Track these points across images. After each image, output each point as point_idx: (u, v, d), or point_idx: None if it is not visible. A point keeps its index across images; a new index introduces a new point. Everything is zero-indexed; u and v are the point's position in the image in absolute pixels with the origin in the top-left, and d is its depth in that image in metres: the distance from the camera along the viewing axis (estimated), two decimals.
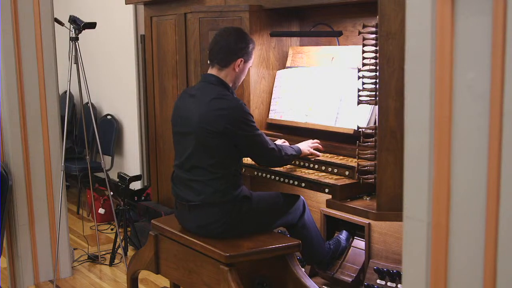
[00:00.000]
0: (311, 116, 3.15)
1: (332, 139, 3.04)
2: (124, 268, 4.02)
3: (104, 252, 4.27)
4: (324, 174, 2.88)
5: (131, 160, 5.59)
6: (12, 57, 3.51)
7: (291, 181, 2.92)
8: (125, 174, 4.32)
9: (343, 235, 3.23)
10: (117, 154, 5.70)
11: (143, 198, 4.81)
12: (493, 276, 1.25)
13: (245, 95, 3.36)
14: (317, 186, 2.80)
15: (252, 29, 3.30)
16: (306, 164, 2.99)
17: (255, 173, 3.13)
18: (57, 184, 3.74)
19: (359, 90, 2.60)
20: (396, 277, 2.95)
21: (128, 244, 4.23)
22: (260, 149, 2.74)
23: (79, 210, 5.38)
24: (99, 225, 4.77)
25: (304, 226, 2.94)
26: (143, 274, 3.66)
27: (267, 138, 2.77)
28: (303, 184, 2.86)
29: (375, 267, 3.01)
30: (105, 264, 4.14)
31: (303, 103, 3.22)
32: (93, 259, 4.18)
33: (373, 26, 2.51)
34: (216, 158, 2.67)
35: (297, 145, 2.94)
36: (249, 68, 2.94)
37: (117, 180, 4.33)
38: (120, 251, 4.13)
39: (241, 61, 2.77)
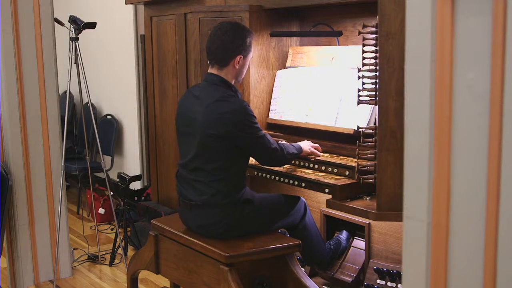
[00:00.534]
0: (311, 116, 3.15)
1: (332, 139, 3.04)
2: (124, 268, 4.02)
3: (104, 252, 4.27)
4: (324, 174, 2.88)
5: (131, 160, 5.59)
6: (12, 57, 3.51)
7: (291, 181, 2.92)
8: (125, 174, 4.32)
9: (343, 235, 3.22)
10: (117, 154, 5.70)
11: (143, 198, 4.82)
12: (493, 276, 1.25)
13: (245, 95, 3.36)
14: (317, 186, 2.80)
15: (252, 29, 3.29)
16: (306, 164, 2.99)
17: (255, 173, 3.13)
18: (57, 184, 3.74)
19: (359, 90, 2.60)
20: (396, 277, 2.95)
21: (128, 244, 4.23)
22: (262, 150, 2.73)
23: (79, 210, 5.38)
24: (99, 225, 4.77)
25: (305, 227, 2.94)
26: (143, 274, 3.66)
27: (270, 138, 2.76)
28: (303, 184, 2.86)
29: (375, 267, 3.01)
30: (105, 264, 4.14)
31: (303, 103, 3.22)
32: (93, 259, 4.18)
33: (373, 26, 2.51)
34: (219, 161, 2.67)
35: (298, 143, 2.94)
36: (249, 66, 2.92)
37: (117, 180, 4.33)
38: (120, 251, 4.13)
39: (240, 57, 2.73)
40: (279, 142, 2.86)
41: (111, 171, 5.38)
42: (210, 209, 2.69)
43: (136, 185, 5.17)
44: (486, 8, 1.19)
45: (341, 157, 2.96)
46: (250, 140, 2.68)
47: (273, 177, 3.02)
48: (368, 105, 2.69)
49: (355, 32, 3.16)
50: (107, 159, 5.31)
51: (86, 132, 4.33)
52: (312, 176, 2.85)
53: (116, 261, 4.14)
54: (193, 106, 2.74)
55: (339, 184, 2.71)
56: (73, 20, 3.81)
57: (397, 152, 2.41)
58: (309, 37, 3.50)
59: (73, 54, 3.78)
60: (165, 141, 4.41)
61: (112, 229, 4.88)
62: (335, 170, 2.86)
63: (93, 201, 4.44)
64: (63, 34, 4.20)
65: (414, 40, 1.33)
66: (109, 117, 5.70)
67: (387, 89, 2.42)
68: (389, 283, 2.96)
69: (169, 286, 3.29)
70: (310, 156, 2.96)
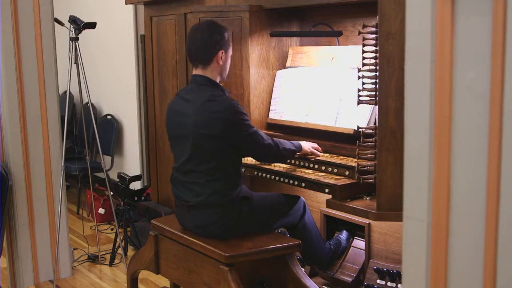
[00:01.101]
0: (311, 116, 3.15)
1: (332, 139, 3.04)
2: (124, 268, 4.02)
3: (104, 252, 4.27)
4: (324, 174, 2.88)
5: (131, 160, 5.59)
6: (12, 57, 3.51)
7: (291, 181, 2.93)
8: (125, 174, 4.32)
9: (343, 235, 3.23)
10: (117, 154, 5.70)
11: (143, 198, 4.81)
12: (493, 276, 1.25)
13: (245, 95, 3.36)
14: (317, 186, 2.80)
15: (252, 29, 3.30)
16: (306, 164, 2.99)
17: (255, 173, 3.13)
18: (57, 184, 3.74)
19: (359, 90, 2.60)
20: (396, 277, 2.95)
21: (128, 244, 4.23)
22: (256, 146, 2.74)
23: (79, 210, 5.38)
24: (99, 225, 4.77)
25: (304, 227, 2.94)
26: (143, 274, 3.66)
27: (263, 134, 2.77)
28: (303, 184, 2.86)
29: (375, 267, 3.01)
30: (105, 264, 4.14)
31: (303, 103, 3.22)
32: (93, 259, 4.18)
33: (373, 26, 2.51)
34: (214, 161, 2.68)
35: (298, 142, 2.94)
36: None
37: (117, 180, 4.33)
38: (120, 251, 4.13)
39: (222, 52, 2.76)
40: (275, 138, 2.87)
41: (111, 171, 5.38)
42: (208, 209, 2.69)
43: (136, 185, 5.17)
44: (486, 8, 1.19)
45: (341, 157, 2.96)
46: (243, 137, 2.69)
47: (273, 177, 3.02)
48: (368, 105, 2.69)
49: (355, 32, 3.16)
50: (107, 159, 5.31)
51: (86, 132, 4.33)
52: (312, 176, 2.85)
53: (116, 261, 4.14)
54: (184, 109, 2.76)
55: (339, 184, 2.71)
56: (73, 20, 3.81)
57: (397, 152, 2.41)
58: (309, 37, 3.50)
59: (73, 54, 3.78)
60: (165, 141, 4.40)
61: (112, 229, 4.88)
62: (335, 170, 2.86)
63: (93, 201, 4.44)
64: (63, 34, 4.20)
65: (414, 40, 1.33)
66: (109, 117, 5.70)
67: (387, 89, 2.42)
68: (389, 283, 2.96)
69: (169, 286, 3.29)
70: (310, 156, 2.97)
